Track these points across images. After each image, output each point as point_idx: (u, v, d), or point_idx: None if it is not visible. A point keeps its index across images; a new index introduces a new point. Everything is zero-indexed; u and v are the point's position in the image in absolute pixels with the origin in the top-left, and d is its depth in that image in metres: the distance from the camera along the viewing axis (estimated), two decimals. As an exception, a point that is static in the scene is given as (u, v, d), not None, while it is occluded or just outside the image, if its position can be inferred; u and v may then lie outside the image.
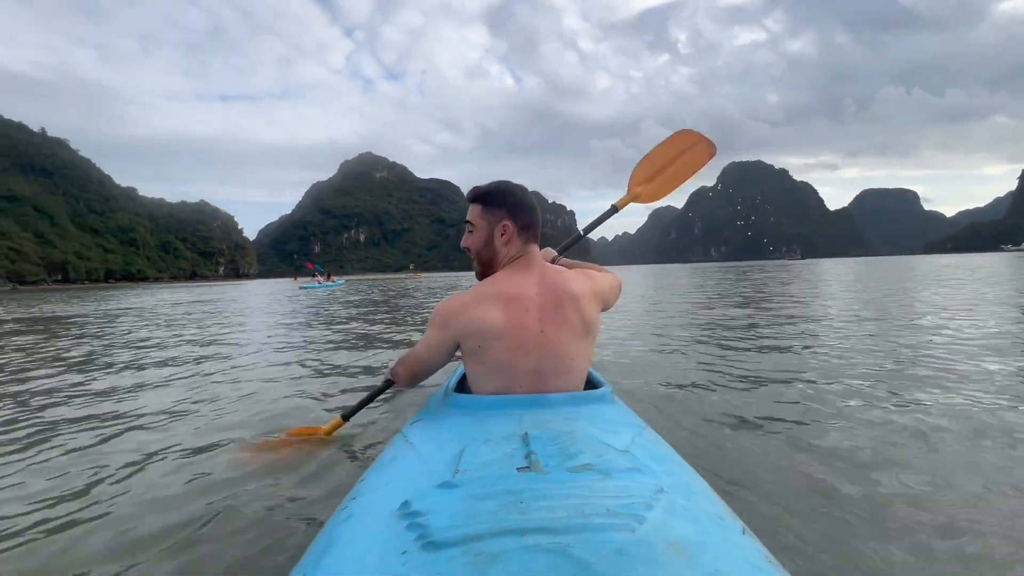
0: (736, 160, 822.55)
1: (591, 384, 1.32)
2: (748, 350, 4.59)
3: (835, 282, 16.80)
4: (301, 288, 25.43)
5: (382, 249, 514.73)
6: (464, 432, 0.96)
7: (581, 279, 1.26)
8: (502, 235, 1.22)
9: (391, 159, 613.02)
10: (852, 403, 2.67)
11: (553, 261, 1.49)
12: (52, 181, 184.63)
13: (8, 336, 8.35)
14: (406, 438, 1.06)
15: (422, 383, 1.29)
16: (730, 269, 45.65)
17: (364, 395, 1.70)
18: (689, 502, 0.71)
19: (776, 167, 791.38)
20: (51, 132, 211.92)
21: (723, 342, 5.19)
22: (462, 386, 1.42)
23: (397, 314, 10.82)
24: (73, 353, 5.98)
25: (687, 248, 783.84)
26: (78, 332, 8.63)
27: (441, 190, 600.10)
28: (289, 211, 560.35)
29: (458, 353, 1.25)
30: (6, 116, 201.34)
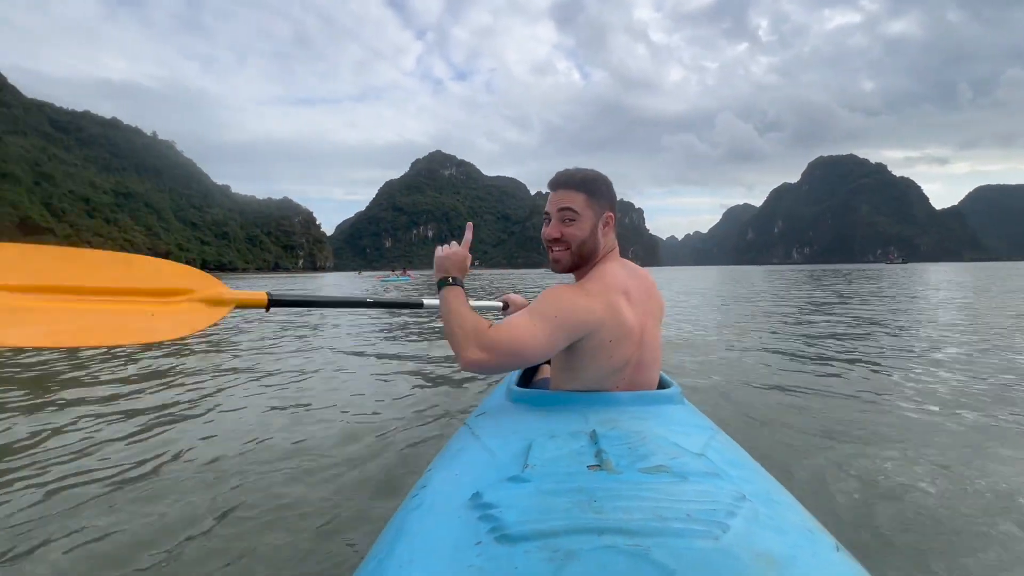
0: (825, 154, 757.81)
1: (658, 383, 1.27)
2: (836, 361, 4.18)
3: (954, 290, 13.46)
4: (382, 282, 30.27)
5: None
6: (530, 427, 0.95)
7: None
8: (605, 227, 1.17)
9: (459, 157, 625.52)
10: (969, 429, 2.36)
11: None
12: (161, 179, 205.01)
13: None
14: (472, 431, 1.04)
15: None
16: (823, 273, 39.79)
17: (392, 299, 1.42)
18: (774, 512, 0.67)
19: (872, 161, 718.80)
20: (161, 136, 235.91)
21: (806, 352, 4.61)
22: (521, 380, 1.41)
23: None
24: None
25: (766, 249, 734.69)
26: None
27: (507, 187, 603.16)
28: (364, 208, 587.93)
29: None
30: (125, 121, 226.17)
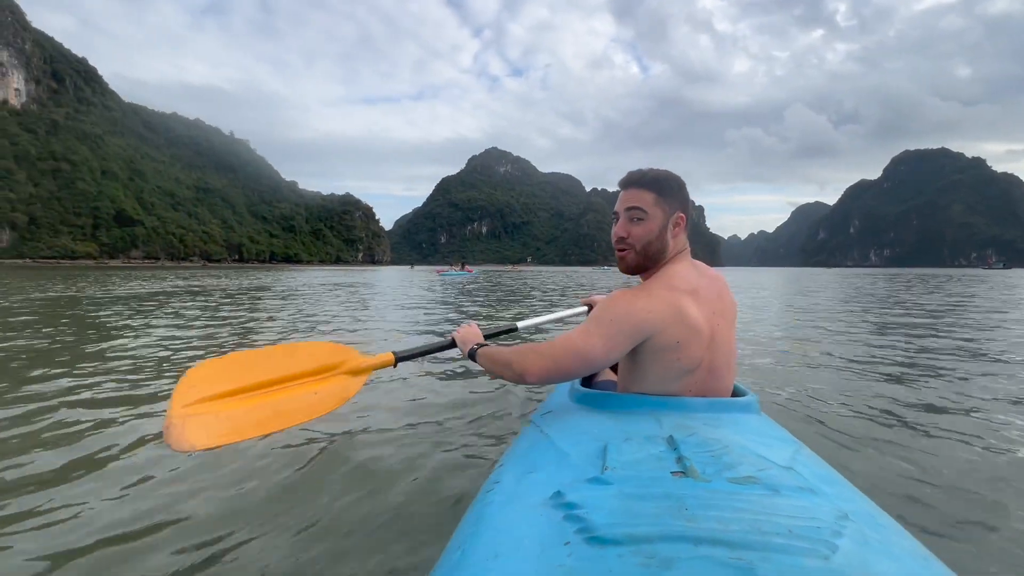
0: (911, 148, 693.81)
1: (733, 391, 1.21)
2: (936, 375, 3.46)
3: None
4: (441, 276, 29.18)
5: (502, 241, 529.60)
6: (602, 428, 0.93)
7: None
8: (675, 227, 1.15)
9: (515, 153, 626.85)
10: None
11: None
12: (236, 176, 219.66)
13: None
14: (540, 429, 1.02)
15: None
16: (929, 278, 34.74)
17: (424, 347, 1.42)
18: (882, 536, 0.62)
19: (968, 155, 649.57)
20: (237, 135, 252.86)
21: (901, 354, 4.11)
22: (583, 380, 1.38)
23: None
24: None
25: (839, 250, 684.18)
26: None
27: (561, 183, 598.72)
28: (420, 204, 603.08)
29: None
30: (207, 122, 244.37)
